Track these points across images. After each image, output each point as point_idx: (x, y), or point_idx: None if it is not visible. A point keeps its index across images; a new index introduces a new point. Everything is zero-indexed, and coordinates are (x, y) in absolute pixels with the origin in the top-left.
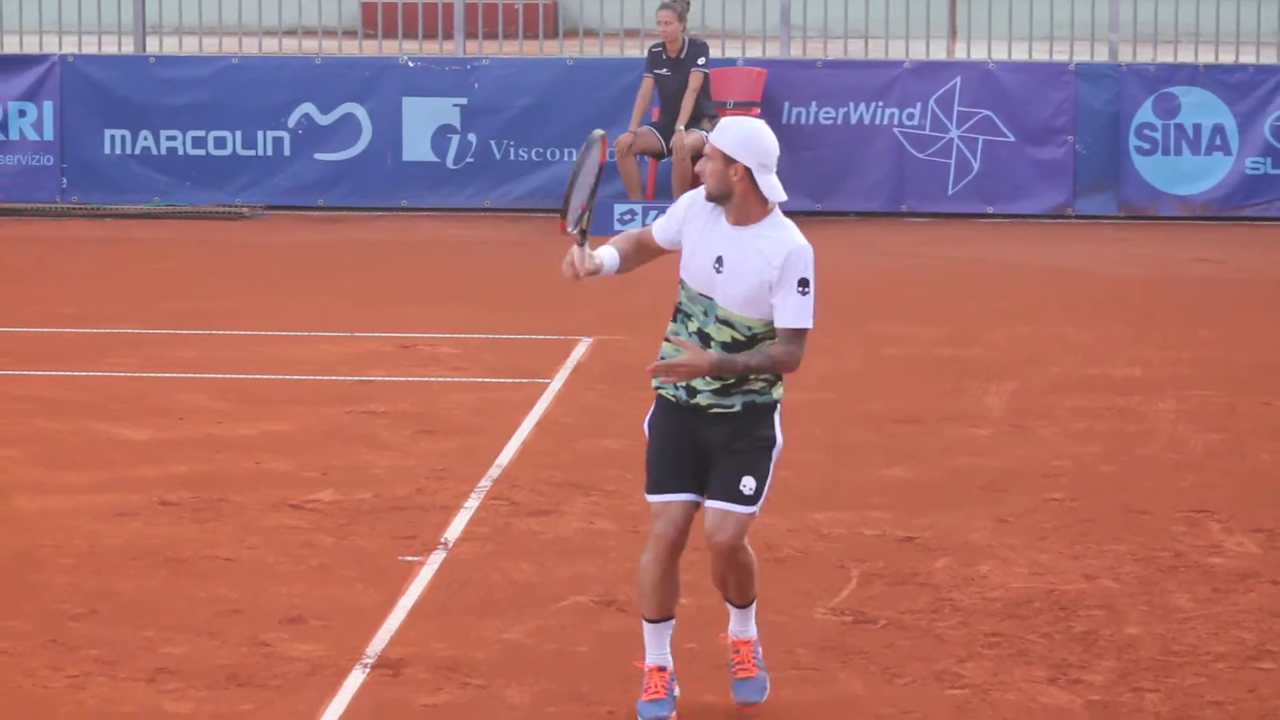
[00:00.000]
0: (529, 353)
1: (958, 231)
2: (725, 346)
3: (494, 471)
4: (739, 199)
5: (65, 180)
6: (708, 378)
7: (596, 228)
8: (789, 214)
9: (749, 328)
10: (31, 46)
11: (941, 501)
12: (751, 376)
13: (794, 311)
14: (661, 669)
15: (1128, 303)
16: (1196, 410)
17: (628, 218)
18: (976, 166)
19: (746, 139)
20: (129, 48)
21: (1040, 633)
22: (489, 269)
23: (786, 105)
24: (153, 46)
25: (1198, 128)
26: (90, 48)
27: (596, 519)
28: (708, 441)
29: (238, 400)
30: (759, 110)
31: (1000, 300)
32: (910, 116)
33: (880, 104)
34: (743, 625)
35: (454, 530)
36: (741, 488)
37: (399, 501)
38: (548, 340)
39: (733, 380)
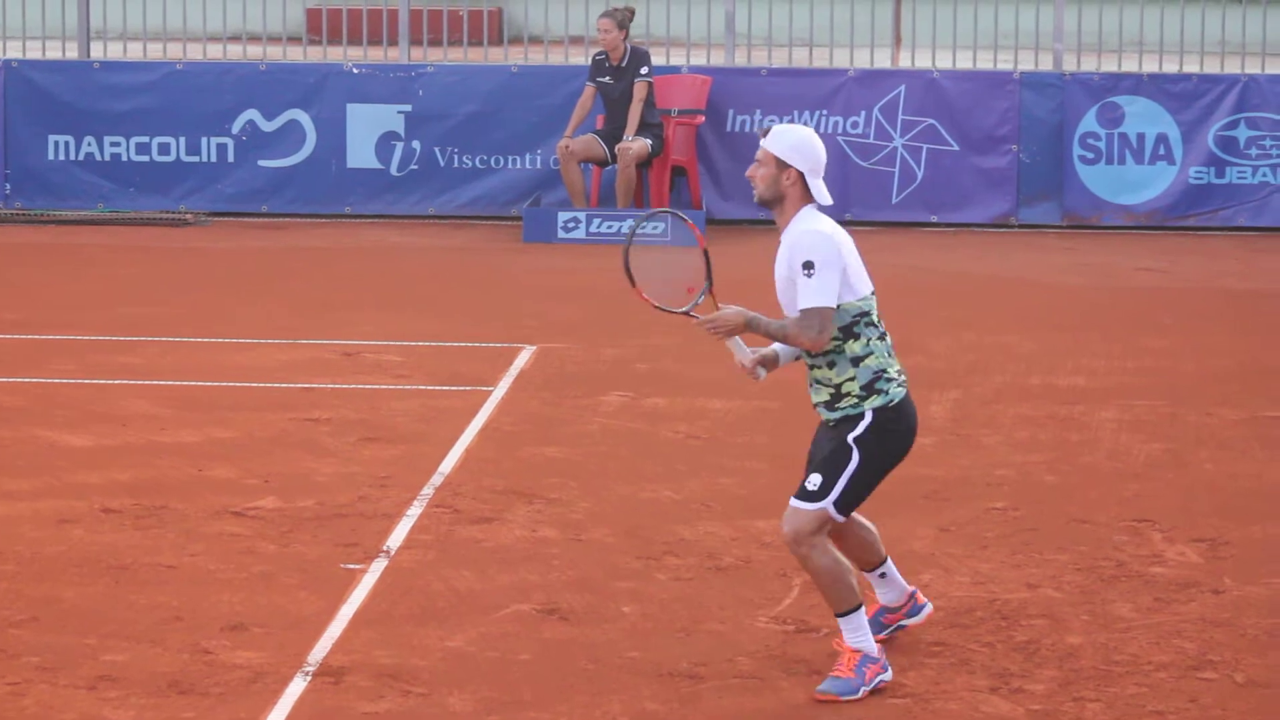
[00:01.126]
0: (472, 360)
1: (902, 240)
2: (821, 359)
3: (436, 479)
4: (788, 204)
5: (8, 186)
6: (816, 386)
7: (540, 235)
8: (734, 223)
9: None
10: None
11: (884, 510)
12: (844, 393)
13: (801, 294)
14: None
15: (1071, 312)
16: (1139, 420)
17: (571, 225)
18: (920, 175)
19: (800, 144)
20: (73, 53)
21: (982, 642)
22: (433, 276)
23: (731, 113)
24: (97, 52)
25: (1141, 137)
26: (34, 52)
27: (539, 527)
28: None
29: (181, 407)
30: (703, 118)
31: (944, 309)
32: (854, 125)
33: (824, 112)
34: (844, 633)
35: (396, 538)
36: (807, 483)
37: (341, 509)
38: (491, 348)
39: (833, 390)
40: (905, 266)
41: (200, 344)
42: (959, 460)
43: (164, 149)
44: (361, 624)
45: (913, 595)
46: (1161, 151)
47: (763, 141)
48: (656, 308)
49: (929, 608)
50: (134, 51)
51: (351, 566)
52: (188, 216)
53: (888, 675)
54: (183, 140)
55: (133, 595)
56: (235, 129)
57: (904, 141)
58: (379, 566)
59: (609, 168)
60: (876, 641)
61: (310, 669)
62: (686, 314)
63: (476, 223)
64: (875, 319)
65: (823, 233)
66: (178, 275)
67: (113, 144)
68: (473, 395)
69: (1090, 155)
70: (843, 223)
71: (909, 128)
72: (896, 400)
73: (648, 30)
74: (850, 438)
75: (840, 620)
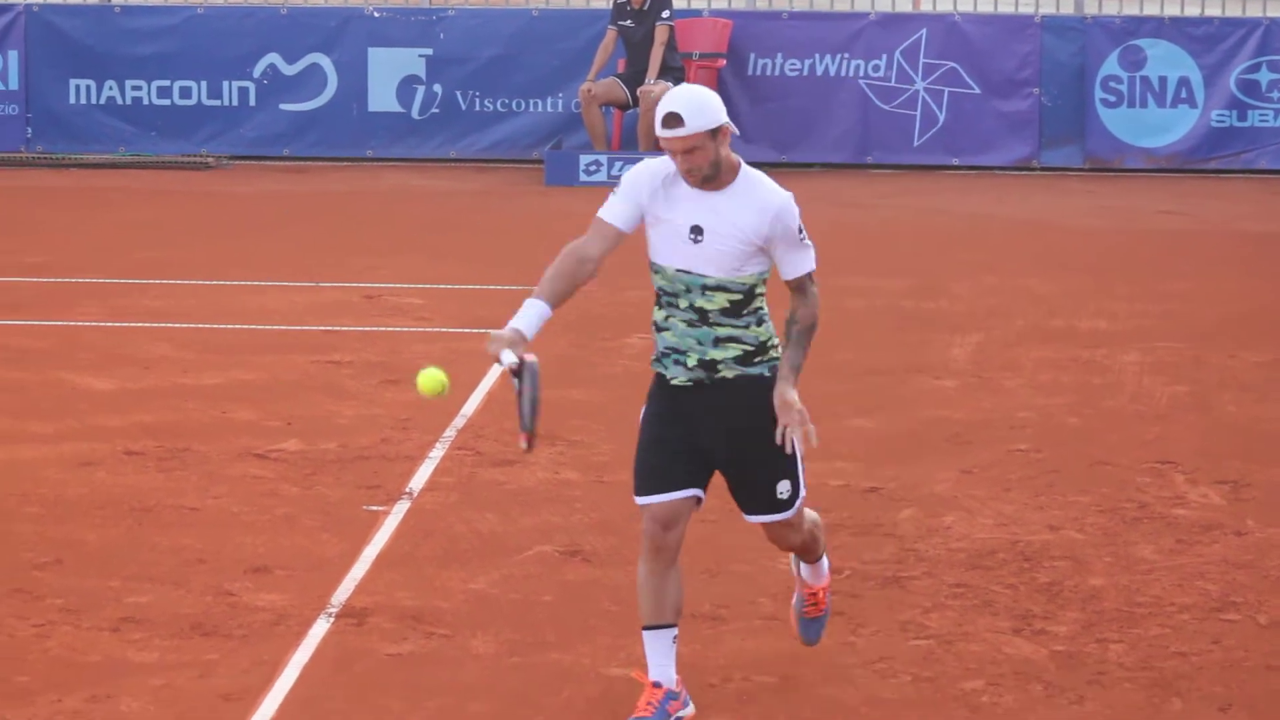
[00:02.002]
0: (494, 303)
1: (923, 183)
2: (724, 311)
3: (459, 421)
4: (726, 165)
5: (30, 130)
6: (718, 344)
7: (562, 178)
8: (756, 166)
9: (743, 284)
10: None
11: (906, 453)
12: (769, 346)
13: (801, 259)
14: (656, 684)
15: (1093, 255)
16: (1162, 362)
17: (593, 168)
18: (942, 118)
19: (708, 103)
20: None
21: (1005, 584)
22: (454, 219)
23: (752, 57)
24: None
25: (1163, 80)
26: None
27: (562, 469)
28: (720, 429)
29: (203, 350)
30: (725, 62)
31: (965, 252)
32: (876, 68)
33: (846, 56)
34: (816, 576)
35: (419, 480)
36: (778, 493)
37: (364, 451)
38: (513, 290)
39: (754, 347)
40: (926, 210)
41: (222, 287)
42: (981, 403)
43: (185, 93)
44: (384, 566)
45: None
46: (1183, 95)
47: (678, 131)
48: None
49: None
50: None
51: (374, 509)
52: (209, 160)
53: None
54: (204, 84)
55: (156, 537)
56: (256, 73)
57: (925, 85)
58: (401, 509)
59: (630, 111)
60: None
61: (333, 611)
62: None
63: (498, 166)
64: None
65: (791, 195)
66: (199, 219)
67: (134, 88)
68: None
69: (1112, 98)
70: (864, 166)
71: (930, 71)
72: None
73: None
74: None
75: (819, 563)
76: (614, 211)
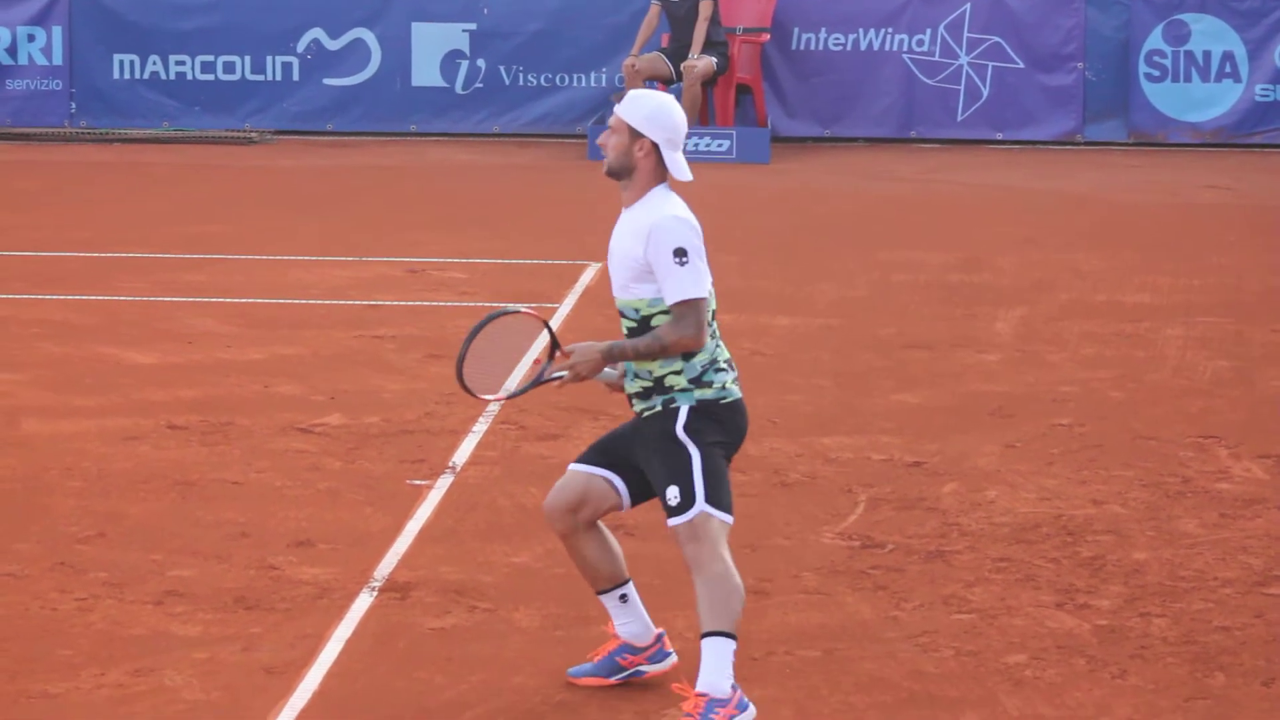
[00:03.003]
0: (537, 277)
1: (967, 158)
2: (628, 334)
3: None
4: (639, 176)
5: (74, 105)
6: (633, 377)
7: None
8: (799, 140)
9: (635, 310)
10: None
11: (950, 427)
12: (670, 377)
13: (675, 285)
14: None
15: (1137, 229)
16: (1205, 337)
17: None
18: (986, 93)
19: (655, 112)
20: None
21: (1048, 558)
22: (497, 194)
23: (796, 31)
24: None
25: (1207, 55)
26: None
27: None
28: (642, 449)
29: (246, 324)
30: (769, 36)
31: (1009, 226)
32: (920, 43)
33: (890, 30)
34: (711, 671)
35: (462, 454)
36: (668, 500)
37: (407, 425)
38: (556, 265)
39: (652, 383)
40: (971, 184)
41: (265, 261)
42: (1025, 377)
43: (229, 68)
44: (427, 540)
45: (660, 638)
46: (1227, 69)
47: (616, 108)
48: (514, 396)
49: (673, 658)
50: None
51: (417, 483)
52: (253, 135)
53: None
54: (248, 59)
55: (199, 511)
56: (300, 48)
57: (969, 59)
58: (445, 483)
59: (674, 86)
60: (607, 686)
61: (376, 585)
62: (548, 381)
63: (541, 141)
64: (713, 314)
65: (689, 221)
66: (243, 194)
67: (178, 63)
68: (538, 312)
69: (1156, 73)
70: (907, 141)
71: (974, 45)
72: (727, 397)
73: None
74: (678, 431)
75: (712, 641)
76: None
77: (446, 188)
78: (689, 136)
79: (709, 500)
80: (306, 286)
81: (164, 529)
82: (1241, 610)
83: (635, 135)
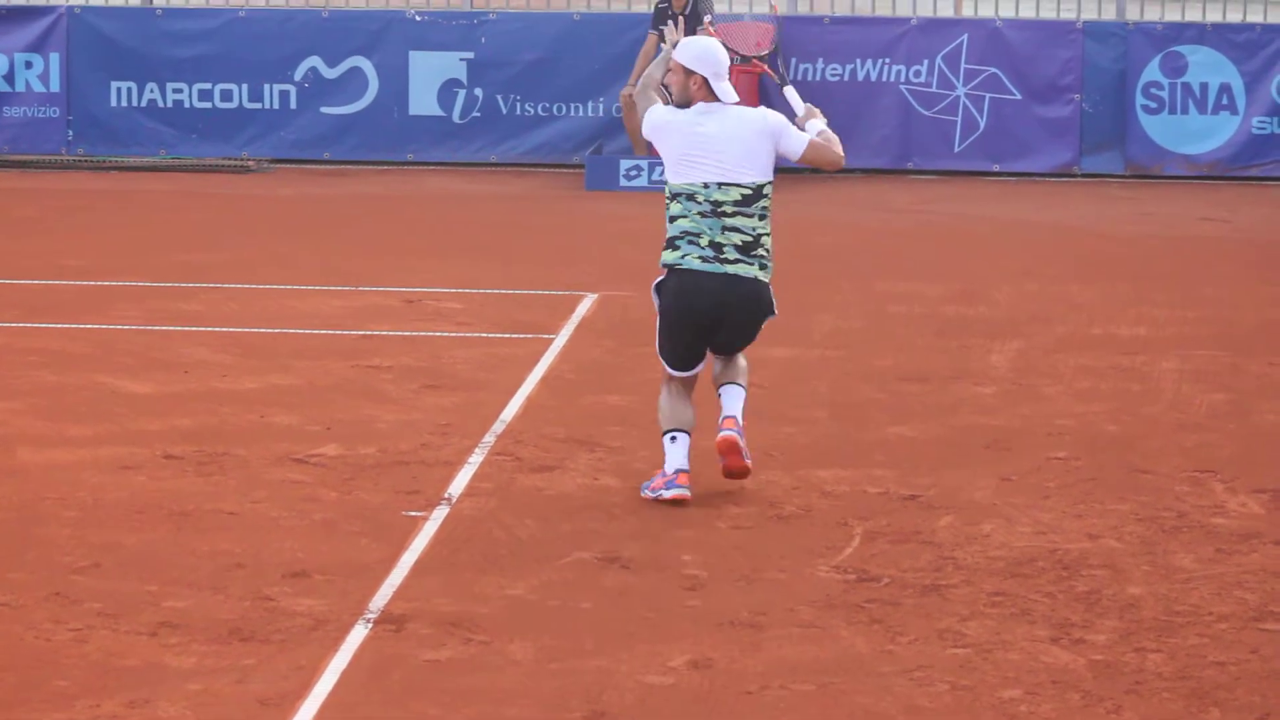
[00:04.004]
0: (534, 308)
1: (964, 189)
2: (737, 204)
3: (498, 427)
4: (702, 103)
5: (71, 132)
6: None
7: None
8: (796, 171)
9: (753, 181)
10: None
11: (945, 460)
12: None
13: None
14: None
15: (1133, 262)
16: (1201, 370)
17: (634, 173)
18: (983, 124)
19: (702, 53)
20: (135, 0)
21: (1043, 592)
22: (495, 224)
23: (794, 61)
24: None
25: (1204, 87)
26: (97, 0)
27: (600, 475)
28: (713, 321)
29: (242, 354)
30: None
31: (1006, 258)
32: (917, 74)
33: (887, 61)
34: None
35: (458, 485)
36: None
37: (403, 456)
38: (553, 295)
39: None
40: (967, 216)
41: (261, 290)
42: (1020, 410)
43: (226, 95)
44: (423, 571)
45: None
46: (1224, 101)
47: (672, 53)
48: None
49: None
50: None
51: (413, 514)
52: (250, 163)
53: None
54: (245, 87)
55: (194, 542)
56: (297, 76)
57: (966, 90)
58: (440, 514)
59: None
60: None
61: (372, 616)
62: (755, 59)
63: (538, 170)
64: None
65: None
66: (240, 222)
67: (175, 90)
68: (534, 343)
69: (1153, 105)
70: (904, 171)
71: (971, 76)
72: (680, 263)
73: None
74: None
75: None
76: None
77: (443, 217)
78: None
79: (660, 352)
80: (303, 316)
81: (159, 559)
82: (1237, 646)
83: (689, 73)
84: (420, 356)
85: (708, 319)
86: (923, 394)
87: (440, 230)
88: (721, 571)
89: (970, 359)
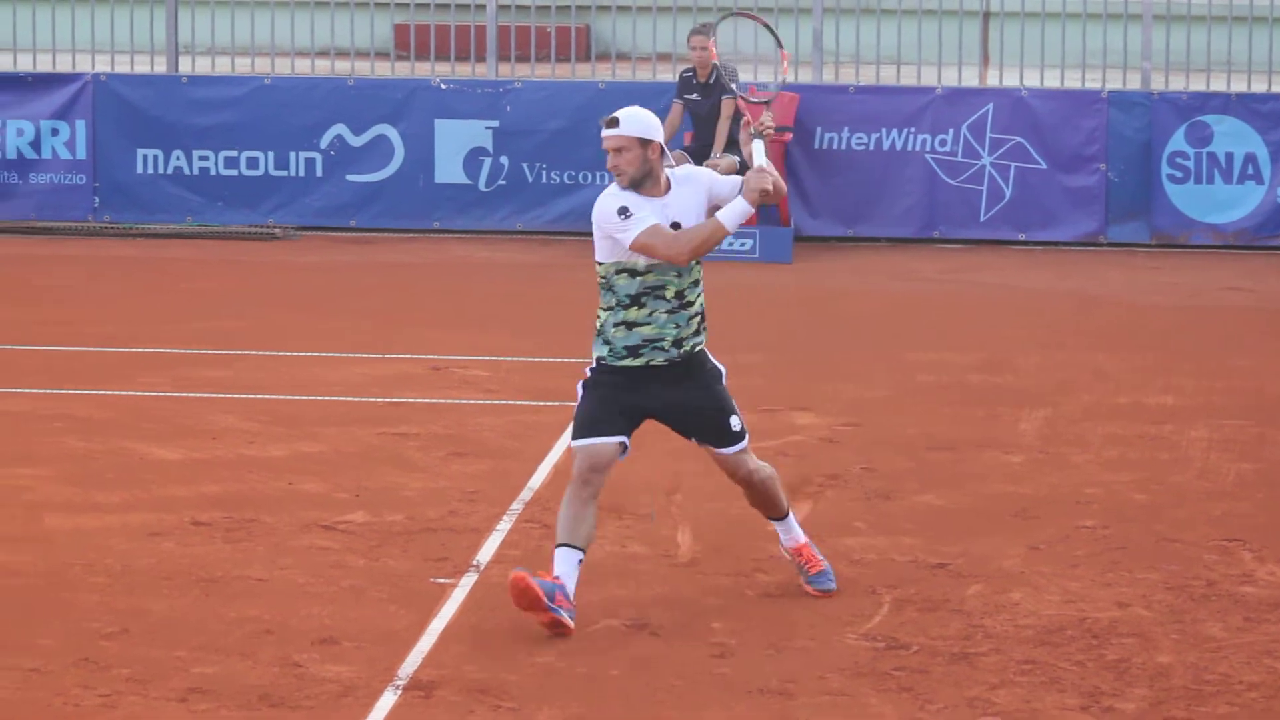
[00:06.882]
0: (560, 375)
1: (989, 258)
2: (693, 286)
3: (525, 494)
4: (655, 173)
5: (97, 199)
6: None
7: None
8: (822, 240)
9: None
10: (64, 65)
11: (973, 528)
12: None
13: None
14: (557, 576)
15: (1159, 331)
16: (1229, 439)
17: None
18: (1009, 193)
19: (651, 122)
20: (161, 67)
21: (1072, 660)
22: (521, 292)
23: (819, 130)
24: (185, 66)
25: (1230, 156)
26: (123, 67)
27: (628, 542)
28: (667, 395)
29: (269, 421)
30: (791, 135)
31: (1032, 327)
32: (943, 143)
33: (912, 130)
34: (790, 534)
35: (486, 552)
36: (731, 426)
37: (431, 523)
38: (579, 363)
39: (699, 323)
40: (993, 285)
41: (288, 358)
42: (1048, 478)
43: (252, 163)
44: (451, 638)
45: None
46: (1250, 171)
47: (615, 131)
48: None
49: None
50: (222, 66)
51: (441, 581)
52: (276, 230)
53: None
54: (271, 155)
55: (223, 608)
56: (323, 144)
57: (992, 160)
58: (469, 581)
59: None
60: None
61: (400, 683)
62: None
63: (564, 238)
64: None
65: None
66: (265, 289)
67: (201, 158)
68: (561, 410)
69: (1178, 174)
70: (930, 240)
71: (997, 146)
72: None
73: (735, 47)
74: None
75: (786, 520)
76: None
77: (469, 284)
78: None
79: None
80: (329, 383)
81: (188, 626)
82: (1267, 714)
83: (645, 143)
84: (447, 424)
85: None
86: (951, 462)
87: (466, 298)
88: (750, 639)
89: (998, 428)
